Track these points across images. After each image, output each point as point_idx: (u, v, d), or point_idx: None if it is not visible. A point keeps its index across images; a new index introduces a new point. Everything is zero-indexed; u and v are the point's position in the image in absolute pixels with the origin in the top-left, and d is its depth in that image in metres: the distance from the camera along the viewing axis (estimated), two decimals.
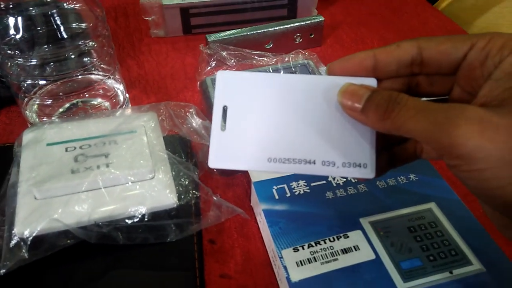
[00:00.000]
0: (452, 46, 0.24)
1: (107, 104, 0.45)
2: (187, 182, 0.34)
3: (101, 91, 0.45)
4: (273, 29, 0.57)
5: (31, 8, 0.37)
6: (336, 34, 0.64)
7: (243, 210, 0.34)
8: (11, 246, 0.28)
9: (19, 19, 0.37)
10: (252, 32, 0.56)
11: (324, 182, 0.36)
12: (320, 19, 0.58)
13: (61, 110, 0.44)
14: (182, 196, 0.33)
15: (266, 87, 0.25)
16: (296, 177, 0.37)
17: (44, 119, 0.42)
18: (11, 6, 0.36)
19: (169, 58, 0.59)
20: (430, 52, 0.24)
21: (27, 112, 0.42)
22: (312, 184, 0.36)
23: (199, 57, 0.54)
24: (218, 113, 0.24)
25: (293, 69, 0.50)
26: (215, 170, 0.41)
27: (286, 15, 0.65)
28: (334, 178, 0.37)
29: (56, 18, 0.39)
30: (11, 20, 0.37)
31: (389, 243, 0.32)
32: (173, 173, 0.34)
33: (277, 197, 0.35)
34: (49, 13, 0.38)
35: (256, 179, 0.37)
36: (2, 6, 0.36)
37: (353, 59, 0.25)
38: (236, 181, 0.42)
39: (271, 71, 0.50)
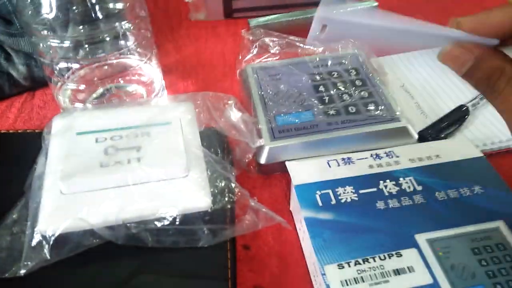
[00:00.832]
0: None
1: (142, 90, 0.42)
2: (223, 184, 0.31)
3: (136, 77, 0.43)
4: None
5: None
6: None
7: (282, 218, 0.31)
8: (33, 244, 0.26)
9: None
10: (297, 17, 0.52)
11: (375, 190, 0.33)
12: (374, 4, 0.53)
13: (94, 95, 0.42)
14: (217, 199, 0.30)
15: None
16: (342, 182, 0.33)
17: (76, 105, 0.40)
18: None
19: (208, 43, 0.56)
20: None
21: (59, 97, 0.41)
22: (360, 192, 0.32)
23: (240, 43, 0.50)
24: None
25: (342, 60, 0.46)
26: (258, 166, 0.37)
27: None
28: (386, 186, 0.33)
29: None
30: None
31: (449, 266, 0.28)
32: (208, 172, 0.31)
33: (320, 204, 0.32)
34: None
35: (297, 181, 0.34)
36: None
37: (491, 20, 0.25)
38: (274, 181, 0.38)
39: (317, 60, 0.46)
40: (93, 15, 0.36)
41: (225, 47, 0.55)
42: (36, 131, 0.39)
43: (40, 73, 0.46)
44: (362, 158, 0.35)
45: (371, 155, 0.36)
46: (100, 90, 0.42)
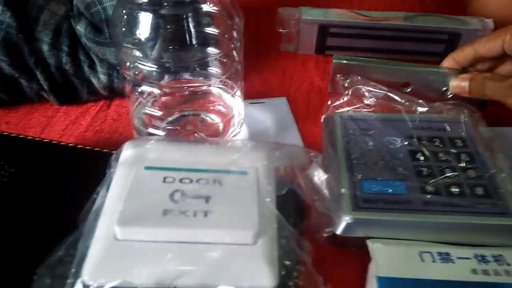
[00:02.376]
0: (492, 43, 0.41)
1: (220, 124, 0.39)
2: (293, 262, 0.26)
3: (217, 108, 0.40)
4: (419, 69, 0.46)
5: (166, 7, 0.32)
6: None
7: None
8: None
9: (150, 17, 0.32)
10: (389, 66, 0.47)
11: None
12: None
13: (169, 119, 0.39)
14: (284, 282, 0.25)
15: None
16: (437, 285, 0.27)
17: (149, 129, 0.37)
18: (147, 1, 0.31)
19: (294, 79, 0.52)
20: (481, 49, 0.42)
21: (134, 117, 0.38)
22: None
23: (329, 79, 0.46)
24: None
25: (447, 126, 0.40)
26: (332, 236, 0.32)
27: (441, 52, 0.54)
28: None
29: (189, 20, 0.34)
30: (142, 17, 0.32)
31: None
32: (279, 245, 0.27)
33: None
34: (184, 15, 0.33)
35: (382, 273, 0.28)
36: (139, 0, 0.31)
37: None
38: (347, 257, 0.33)
39: (418, 120, 0.40)
40: (187, 39, 0.34)
41: (312, 86, 0.51)
42: (104, 150, 0.36)
43: (119, 84, 0.45)
44: (464, 258, 0.29)
45: (476, 256, 0.29)
46: (177, 115, 0.39)
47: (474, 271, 0.28)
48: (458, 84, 0.43)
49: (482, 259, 0.29)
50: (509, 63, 0.43)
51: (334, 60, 0.46)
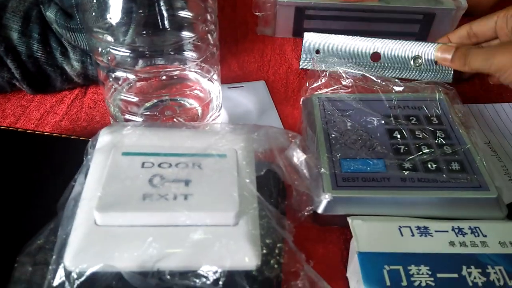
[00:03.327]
0: (486, 20, 0.44)
1: (198, 109, 0.39)
2: (274, 241, 0.26)
3: (194, 92, 0.39)
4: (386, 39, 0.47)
5: None
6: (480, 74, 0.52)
7: None
8: (54, 284, 0.23)
9: (122, 1, 0.31)
10: (357, 38, 0.47)
11: (456, 276, 0.27)
12: None
13: (147, 104, 0.39)
14: (266, 259, 0.26)
15: None
16: (417, 258, 0.28)
17: (126, 116, 0.37)
18: None
19: (272, 62, 0.52)
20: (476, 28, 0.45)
21: (110, 104, 0.38)
22: (438, 275, 0.27)
23: (309, 69, 0.46)
24: None
25: (423, 104, 0.41)
26: (314, 215, 0.33)
27: (416, 32, 0.55)
28: (470, 274, 0.27)
29: (161, 3, 0.34)
30: (114, 1, 0.31)
31: None
32: (260, 224, 0.27)
33: (388, 283, 0.27)
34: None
35: (362, 248, 0.28)
36: None
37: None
38: (330, 235, 0.34)
39: (395, 101, 0.41)
40: (160, 23, 0.33)
41: (290, 68, 0.51)
42: (81, 138, 0.36)
43: (94, 71, 0.44)
44: (442, 231, 0.30)
45: (453, 229, 0.30)
46: (154, 101, 0.39)
47: (452, 243, 0.29)
48: (442, 53, 0.43)
49: (459, 231, 0.30)
50: (496, 42, 0.45)
51: (304, 36, 0.46)
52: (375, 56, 0.47)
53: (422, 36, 0.55)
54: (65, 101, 0.45)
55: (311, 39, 0.48)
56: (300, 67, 0.48)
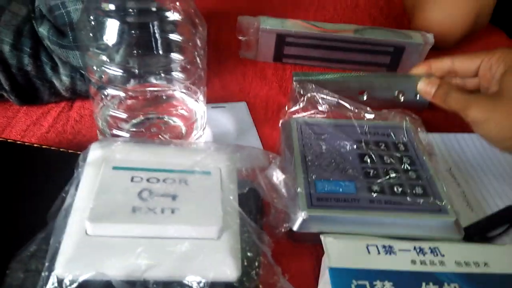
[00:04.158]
0: (470, 61, 0.45)
1: (183, 127, 0.41)
2: (254, 254, 0.29)
3: (180, 112, 0.41)
4: (371, 80, 0.50)
5: (132, 14, 0.33)
6: None
7: None
8: None
9: (117, 24, 0.33)
10: (346, 78, 0.50)
11: None
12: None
13: (134, 121, 0.41)
14: (246, 271, 0.28)
15: None
16: (382, 274, 0.31)
17: (114, 131, 0.38)
18: (114, 9, 0.33)
19: (253, 84, 0.55)
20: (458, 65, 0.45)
21: (98, 118, 0.39)
22: None
23: (289, 93, 0.49)
24: None
25: (391, 131, 0.44)
26: (289, 232, 0.35)
27: (388, 63, 0.59)
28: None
29: (154, 27, 0.36)
30: (109, 23, 0.33)
31: None
32: (242, 238, 0.29)
33: None
34: (149, 22, 0.34)
35: (333, 264, 0.31)
36: (105, 7, 0.32)
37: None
38: (303, 251, 0.36)
39: (366, 128, 0.44)
40: (153, 45, 0.35)
41: (270, 92, 0.54)
42: (70, 151, 0.37)
43: (82, 87, 0.45)
44: (405, 250, 0.33)
45: (415, 248, 0.33)
46: (141, 118, 0.41)
47: (413, 262, 0.32)
48: (425, 87, 0.44)
49: (421, 251, 0.33)
50: (475, 81, 0.46)
51: (294, 78, 0.49)
52: (361, 91, 0.51)
53: (393, 66, 0.59)
54: (51, 114, 0.46)
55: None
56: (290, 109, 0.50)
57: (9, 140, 0.37)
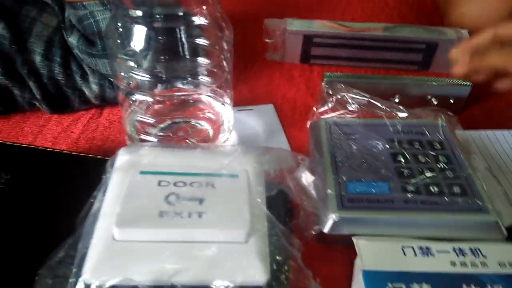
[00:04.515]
0: None
1: (210, 131, 0.40)
2: (283, 257, 0.28)
3: (207, 115, 0.41)
4: (405, 82, 0.49)
5: (159, 20, 0.34)
6: (482, 100, 0.53)
7: None
8: None
9: (144, 29, 0.33)
10: (377, 81, 0.49)
11: None
12: (467, 85, 0.48)
13: (161, 126, 0.41)
14: (275, 275, 0.27)
15: None
16: (419, 277, 0.29)
17: (142, 136, 0.39)
18: (141, 15, 0.33)
19: (281, 86, 0.54)
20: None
21: (126, 124, 0.40)
22: None
23: (318, 94, 0.48)
24: None
25: (426, 130, 0.42)
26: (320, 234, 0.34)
27: (420, 61, 0.57)
28: None
29: (181, 32, 0.36)
30: (136, 29, 0.34)
31: None
32: (270, 242, 0.28)
33: None
34: (176, 27, 0.34)
35: (367, 266, 0.30)
36: (133, 14, 0.33)
37: None
38: (335, 254, 0.35)
39: (399, 125, 0.42)
40: (180, 50, 0.35)
41: (297, 94, 0.53)
42: (98, 156, 0.37)
43: (111, 94, 0.46)
44: (443, 251, 0.31)
45: (454, 249, 0.31)
46: (168, 122, 0.41)
47: (453, 263, 0.30)
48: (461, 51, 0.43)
49: (460, 251, 0.31)
50: None
51: (324, 79, 0.48)
52: (393, 94, 0.49)
53: (425, 64, 0.57)
54: (81, 121, 0.47)
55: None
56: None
57: (39, 147, 0.37)
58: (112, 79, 0.44)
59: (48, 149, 0.38)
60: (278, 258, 0.28)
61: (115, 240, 0.27)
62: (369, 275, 0.29)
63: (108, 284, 0.24)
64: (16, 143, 0.38)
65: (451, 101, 0.49)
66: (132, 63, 0.34)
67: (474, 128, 0.48)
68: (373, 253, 0.31)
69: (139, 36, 0.33)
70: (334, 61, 0.58)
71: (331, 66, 0.58)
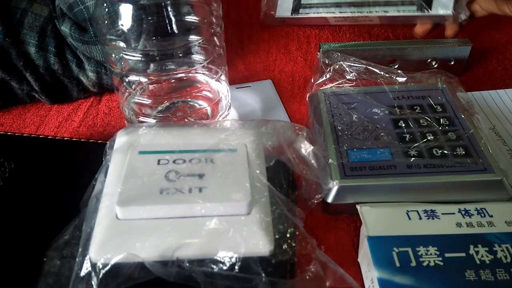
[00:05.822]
0: None
1: (208, 109, 0.40)
2: (287, 228, 0.28)
3: (204, 93, 0.41)
4: (402, 47, 0.48)
5: None
6: (483, 60, 0.52)
7: (355, 282, 0.27)
8: (81, 274, 0.25)
9: (131, 7, 0.33)
10: (375, 47, 0.48)
11: (464, 255, 0.28)
12: (467, 45, 0.47)
13: (159, 108, 0.41)
14: (279, 245, 0.27)
15: None
16: (425, 240, 0.29)
17: (140, 118, 0.39)
18: None
19: (278, 61, 0.53)
20: None
21: (125, 108, 0.40)
22: (446, 255, 0.28)
23: (314, 65, 0.47)
24: None
25: (427, 93, 0.42)
26: (324, 205, 0.34)
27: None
28: (477, 252, 0.28)
29: (169, 10, 0.35)
30: (122, 8, 0.33)
31: None
32: (273, 213, 0.28)
33: (398, 264, 0.28)
34: (163, 3, 0.34)
35: (372, 232, 0.30)
36: None
37: None
38: (340, 223, 0.35)
39: (398, 90, 0.42)
40: (168, 28, 0.35)
41: (295, 67, 0.52)
42: (99, 141, 0.38)
43: (108, 80, 0.46)
44: (449, 213, 0.31)
45: (459, 211, 0.31)
46: (166, 103, 0.40)
47: (459, 224, 0.30)
48: None
49: (466, 212, 0.31)
50: None
51: (320, 49, 0.47)
52: (392, 60, 0.48)
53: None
54: (81, 109, 0.47)
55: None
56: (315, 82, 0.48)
57: (41, 136, 0.37)
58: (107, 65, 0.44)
59: (49, 137, 0.38)
60: (281, 227, 0.28)
61: (118, 219, 0.27)
62: (374, 241, 0.29)
63: (114, 261, 0.25)
64: (18, 133, 0.38)
65: (452, 63, 0.48)
66: (122, 43, 0.34)
67: (477, 89, 0.47)
68: (377, 219, 0.31)
69: (126, 15, 0.33)
70: (327, 9, 0.55)
71: (324, 27, 0.56)
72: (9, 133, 0.38)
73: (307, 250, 0.27)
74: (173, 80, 0.40)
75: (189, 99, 0.41)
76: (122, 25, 0.33)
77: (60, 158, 0.36)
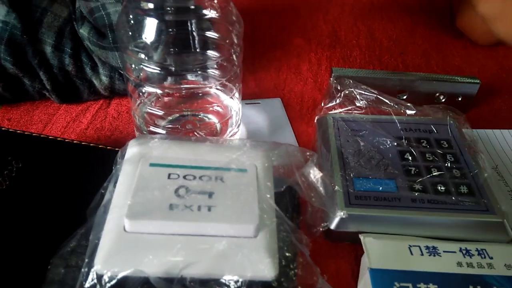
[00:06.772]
0: None
1: (218, 124, 0.40)
2: (292, 253, 0.28)
3: (215, 108, 0.41)
4: (412, 79, 0.48)
5: (170, 12, 0.33)
6: (490, 98, 0.53)
7: None
8: (86, 286, 0.25)
9: (155, 22, 0.33)
10: (386, 76, 0.49)
11: None
12: (476, 83, 0.48)
13: (170, 118, 0.41)
14: (284, 271, 0.27)
15: None
16: (426, 277, 0.29)
17: (151, 128, 0.39)
18: (152, 7, 0.33)
19: (288, 80, 0.54)
20: None
21: (135, 115, 0.40)
22: None
23: (325, 88, 0.48)
24: None
25: (434, 128, 0.42)
26: (326, 231, 0.34)
27: None
28: None
29: (192, 26, 0.36)
30: (148, 22, 0.34)
31: None
32: (278, 238, 0.28)
33: None
34: (186, 20, 0.34)
35: (374, 264, 0.30)
36: (144, 6, 0.33)
37: None
38: (341, 251, 0.35)
39: (407, 122, 0.42)
40: (190, 43, 0.35)
41: (305, 88, 0.53)
42: (108, 147, 0.38)
43: (120, 86, 0.46)
44: (450, 252, 0.31)
45: (460, 250, 0.32)
46: (177, 115, 0.41)
47: (459, 264, 0.31)
48: None
49: (467, 252, 0.31)
50: None
51: (332, 74, 0.48)
52: (401, 91, 0.49)
53: None
54: (90, 111, 0.47)
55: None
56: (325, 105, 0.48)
57: (50, 137, 0.37)
58: (122, 72, 0.44)
59: (59, 139, 0.38)
60: (287, 254, 0.28)
61: (126, 231, 0.27)
62: (376, 274, 0.30)
63: (121, 275, 0.25)
64: (27, 132, 0.38)
65: (459, 99, 0.48)
66: (142, 55, 0.34)
67: (482, 127, 0.48)
68: (380, 251, 0.31)
69: (150, 29, 0.33)
70: None
71: (337, 53, 0.57)
72: (18, 131, 0.38)
73: (311, 279, 0.28)
74: (184, 92, 0.40)
75: (199, 113, 0.41)
76: (145, 38, 0.33)
77: (68, 161, 0.36)
